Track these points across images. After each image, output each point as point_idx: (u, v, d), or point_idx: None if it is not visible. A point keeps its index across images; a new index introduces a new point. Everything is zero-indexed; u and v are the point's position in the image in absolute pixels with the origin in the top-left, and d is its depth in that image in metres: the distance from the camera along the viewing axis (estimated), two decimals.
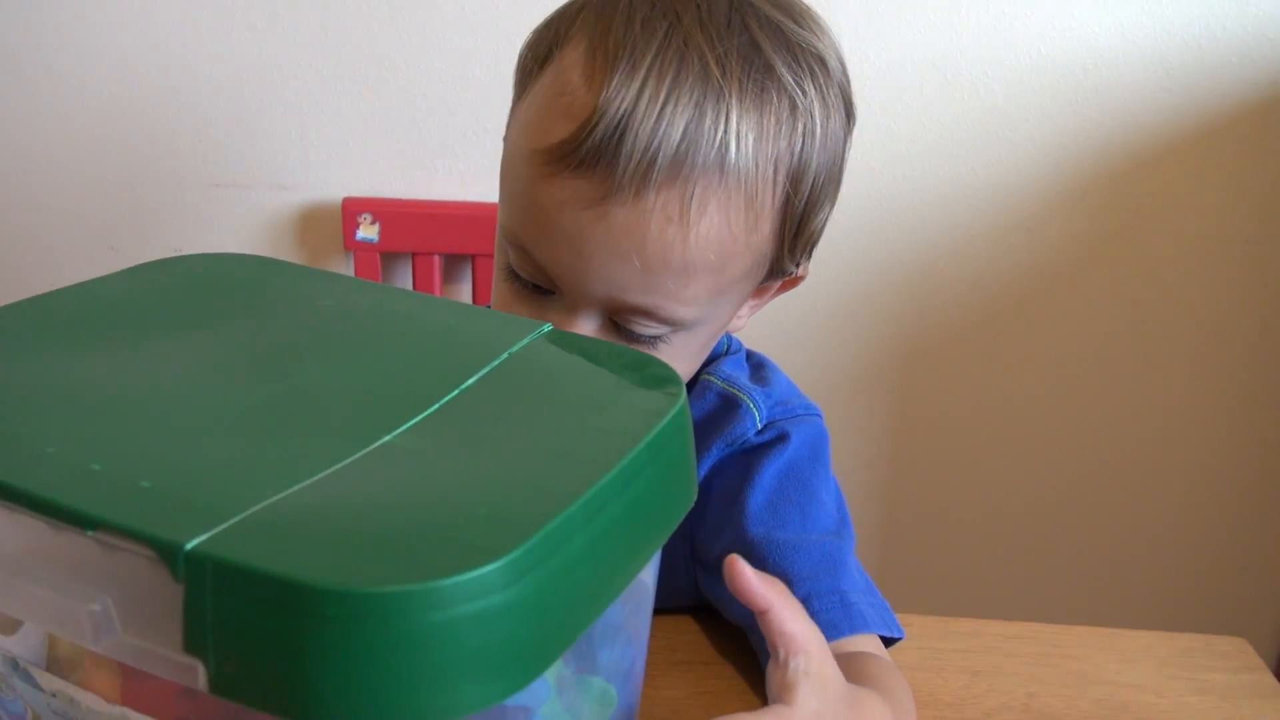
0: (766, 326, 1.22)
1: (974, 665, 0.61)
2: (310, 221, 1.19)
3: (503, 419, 0.31)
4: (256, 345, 0.36)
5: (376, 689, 0.23)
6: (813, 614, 0.55)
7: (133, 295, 0.40)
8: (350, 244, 1.14)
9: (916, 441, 1.28)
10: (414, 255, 1.15)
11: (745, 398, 0.63)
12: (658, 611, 0.64)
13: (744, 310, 0.63)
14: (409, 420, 0.30)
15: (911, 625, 0.64)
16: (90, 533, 0.25)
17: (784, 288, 0.64)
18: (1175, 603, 1.33)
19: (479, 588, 0.23)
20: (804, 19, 0.57)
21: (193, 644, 0.24)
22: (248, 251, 1.20)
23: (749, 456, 0.62)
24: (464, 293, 1.19)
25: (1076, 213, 1.17)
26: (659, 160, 0.50)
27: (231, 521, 0.25)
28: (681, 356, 0.59)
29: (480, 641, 0.23)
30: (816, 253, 1.21)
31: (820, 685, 0.43)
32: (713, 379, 0.64)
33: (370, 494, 0.27)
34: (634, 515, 0.29)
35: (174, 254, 0.45)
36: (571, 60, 0.53)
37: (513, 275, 0.57)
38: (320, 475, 0.27)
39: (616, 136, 0.50)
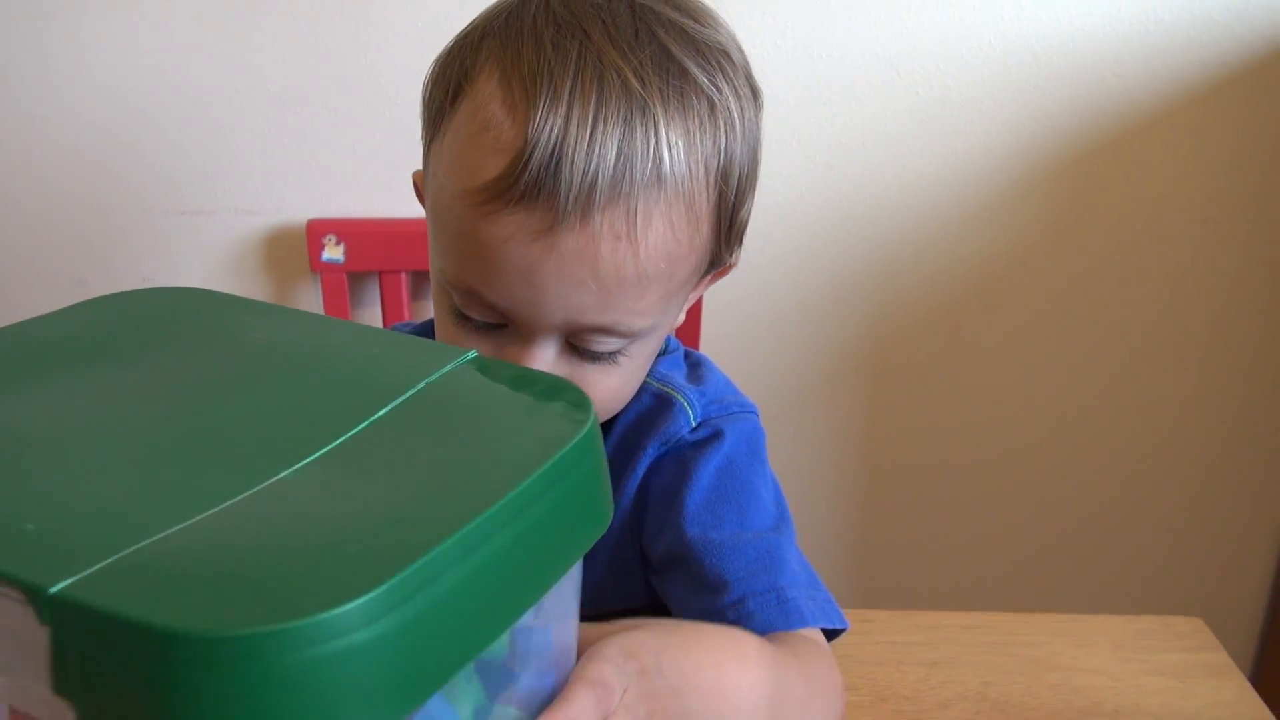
0: (732, 326, 1.23)
1: (931, 657, 0.62)
2: (276, 245, 1.19)
3: (404, 451, 0.31)
4: (177, 381, 0.36)
5: None
6: (748, 614, 0.56)
7: (63, 333, 0.40)
8: (316, 265, 1.15)
9: (886, 434, 1.29)
10: (381, 274, 1.15)
11: (679, 396, 0.64)
12: (615, 614, 0.65)
13: (684, 305, 0.64)
14: (312, 454, 0.30)
15: (873, 621, 0.66)
16: None
17: (717, 277, 0.65)
18: (1144, 586, 1.35)
19: (336, 627, 0.23)
20: (701, 15, 0.58)
21: (60, 687, 0.25)
22: (216, 276, 1.22)
23: (685, 455, 0.62)
24: (431, 310, 1.20)
25: (1035, 200, 1.18)
26: (599, 183, 0.50)
27: (101, 564, 0.25)
28: (639, 366, 0.60)
29: (343, 681, 0.24)
30: (780, 252, 1.22)
31: (634, 626, 0.43)
32: (648, 379, 0.65)
33: (249, 532, 0.27)
34: (526, 545, 0.29)
35: (143, 283, 0.46)
36: (487, 92, 0.53)
37: (461, 318, 0.57)
38: (205, 514, 0.28)
39: (553, 166, 0.50)
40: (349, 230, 1.14)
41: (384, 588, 0.24)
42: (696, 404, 0.63)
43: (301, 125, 1.14)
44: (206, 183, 1.18)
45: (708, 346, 1.21)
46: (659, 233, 0.53)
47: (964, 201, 1.18)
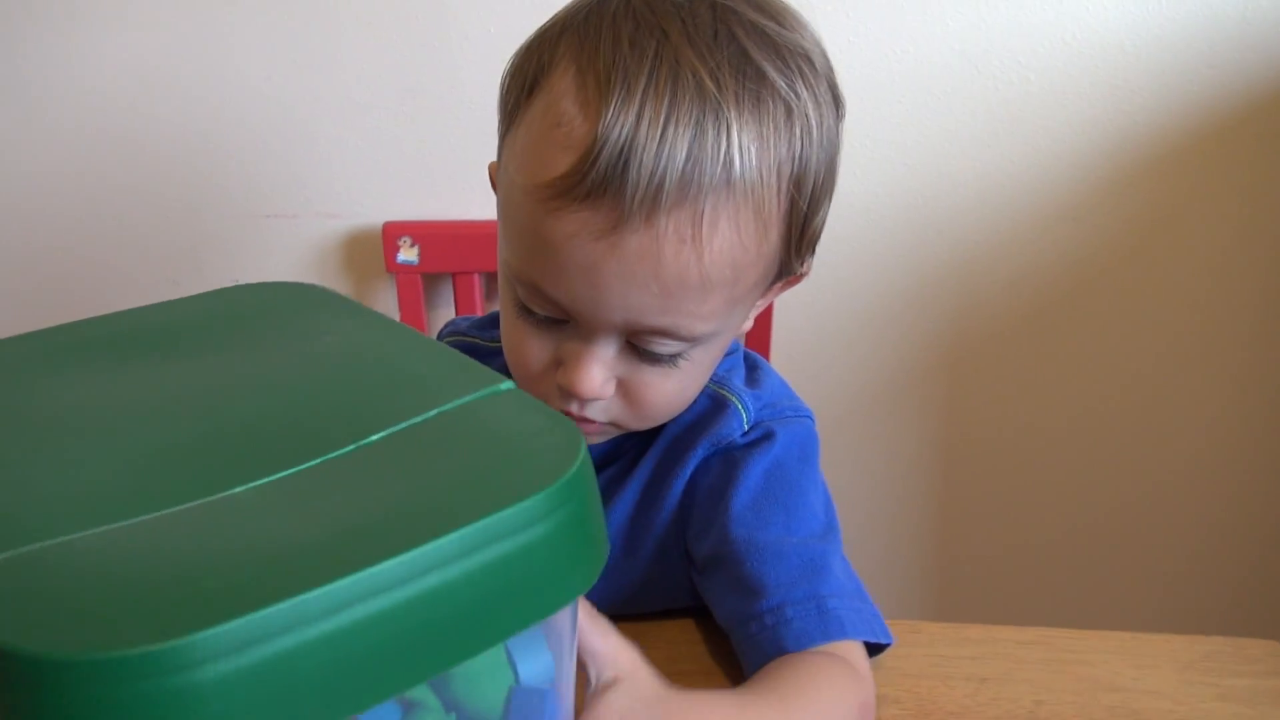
0: (804, 330, 1.22)
1: (982, 672, 0.60)
2: (354, 247, 1.22)
3: (370, 479, 0.29)
4: (218, 378, 0.36)
5: None
6: (786, 620, 0.55)
7: (159, 321, 0.41)
8: (392, 267, 1.17)
9: (957, 444, 1.26)
10: (454, 275, 1.17)
11: (734, 399, 0.63)
12: (662, 614, 0.64)
13: (751, 312, 0.63)
14: (283, 470, 0.29)
15: (921, 632, 0.64)
16: None
17: (786, 285, 0.63)
18: (1216, 606, 1.28)
19: (178, 660, 0.22)
20: (784, 18, 0.57)
21: None
22: (297, 277, 1.24)
23: (734, 455, 0.62)
24: None
25: (1123, 200, 1.13)
26: (666, 184, 0.49)
27: (15, 551, 0.25)
28: (700, 371, 0.60)
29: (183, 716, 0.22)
30: (854, 254, 1.20)
31: (628, 689, 0.43)
32: (707, 384, 0.65)
33: (153, 547, 0.26)
34: (449, 598, 0.26)
35: (231, 284, 0.46)
36: (561, 88, 0.53)
37: (524, 311, 0.57)
38: (124, 522, 0.27)
39: (621, 164, 0.49)
40: (423, 232, 1.16)
41: (236, 623, 0.23)
42: (750, 407, 0.63)
43: (379, 130, 1.17)
44: (290, 187, 1.22)
45: (778, 350, 1.20)
46: (725, 237, 0.52)
47: (1047, 202, 1.14)
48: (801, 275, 0.63)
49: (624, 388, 0.58)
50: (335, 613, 0.24)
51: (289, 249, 1.24)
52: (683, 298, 0.53)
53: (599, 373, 0.56)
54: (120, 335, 0.39)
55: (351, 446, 0.31)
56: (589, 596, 0.39)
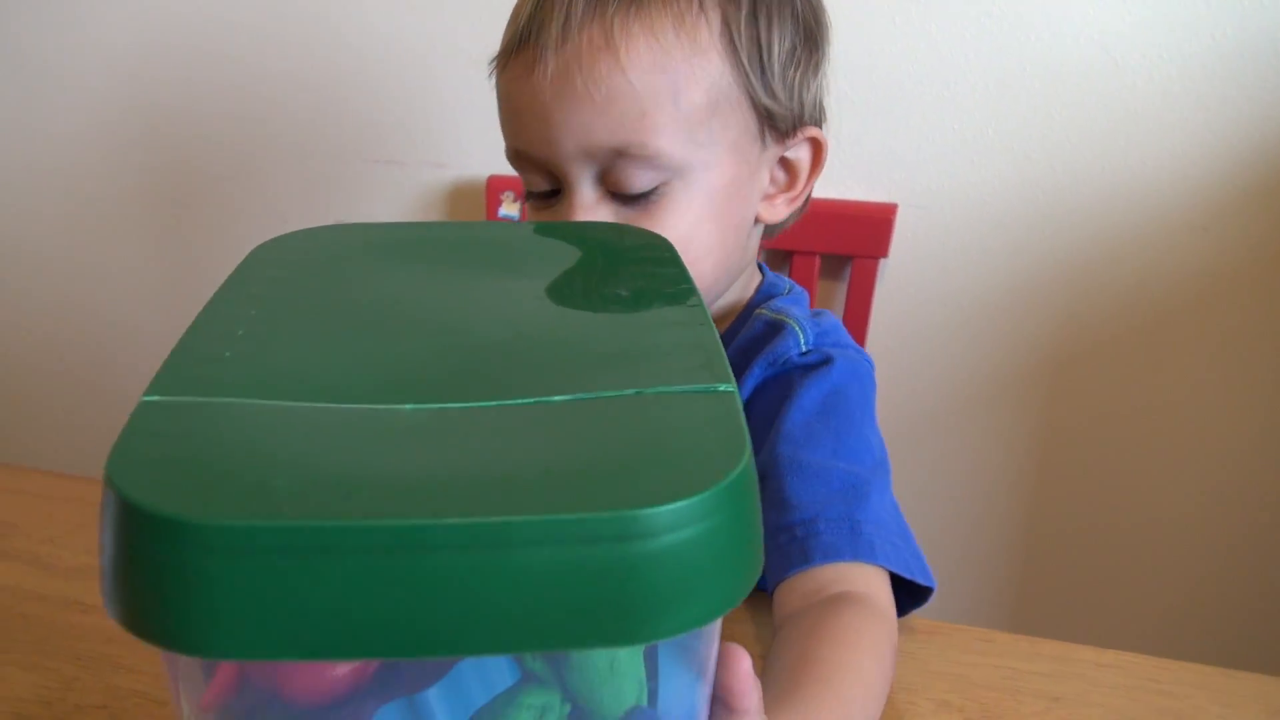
0: (902, 321, 1.18)
1: (1054, 690, 0.57)
2: (458, 197, 1.23)
3: (550, 435, 0.28)
4: (483, 302, 0.38)
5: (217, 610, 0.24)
6: (816, 533, 0.54)
7: (520, 242, 0.44)
8: (493, 220, 1.18)
9: (1064, 453, 1.20)
10: None
11: (792, 322, 0.64)
12: None
13: (766, 183, 0.64)
14: (477, 401, 0.30)
15: (994, 641, 0.61)
16: None
17: (815, 162, 0.65)
18: None
19: (275, 539, 0.23)
20: None
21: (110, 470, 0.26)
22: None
23: (792, 378, 0.61)
24: None
25: (1261, 210, 1.06)
26: (574, 9, 0.56)
27: (190, 399, 0.28)
28: (691, 218, 0.60)
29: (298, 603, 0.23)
30: (964, 244, 1.15)
31: None
32: (765, 311, 0.66)
33: (328, 434, 0.27)
34: (557, 582, 0.24)
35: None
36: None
37: (532, 201, 0.63)
38: (322, 404, 0.29)
39: (539, 12, 0.57)
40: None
41: (371, 523, 0.23)
42: (809, 330, 0.63)
43: (490, 85, 1.17)
44: (400, 134, 1.23)
45: (875, 339, 1.17)
46: (641, 42, 0.56)
47: (1176, 206, 1.08)
48: (814, 139, 0.64)
49: None
50: (461, 550, 0.24)
51: (395, 195, 1.25)
52: (622, 112, 0.56)
53: (587, 220, 0.59)
54: (470, 244, 0.43)
55: (536, 400, 0.30)
56: None
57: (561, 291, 0.39)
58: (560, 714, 0.31)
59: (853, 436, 0.59)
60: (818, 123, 0.65)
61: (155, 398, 0.29)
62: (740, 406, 0.31)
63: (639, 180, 0.58)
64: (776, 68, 0.60)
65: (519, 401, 0.30)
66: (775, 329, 0.63)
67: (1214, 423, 1.15)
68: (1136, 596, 1.24)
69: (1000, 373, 1.18)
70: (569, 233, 0.45)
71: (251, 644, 0.24)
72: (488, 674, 0.30)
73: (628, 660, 0.31)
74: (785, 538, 0.56)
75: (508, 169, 1.20)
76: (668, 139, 0.57)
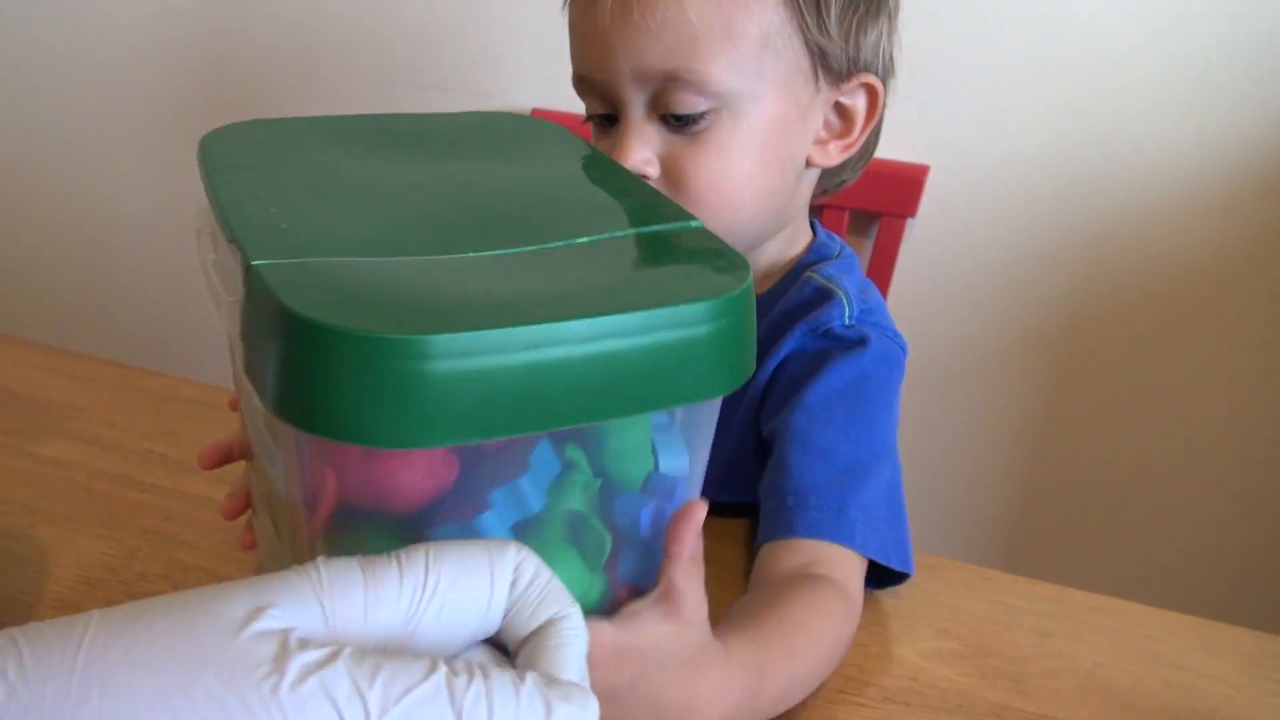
0: (925, 274, 1.21)
1: (1046, 626, 0.61)
2: None
3: (578, 266, 0.36)
4: (486, 176, 0.44)
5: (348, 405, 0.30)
6: (804, 508, 0.58)
7: (438, 128, 0.50)
8: None
9: (1072, 414, 1.24)
10: None
11: (841, 293, 0.66)
12: (725, 508, 0.66)
13: (819, 126, 0.67)
14: (515, 247, 0.37)
15: (994, 580, 0.65)
16: (230, 244, 0.36)
17: (871, 110, 0.67)
18: None
19: (426, 349, 0.30)
20: None
21: (243, 335, 0.34)
22: None
23: (827, 350, 0.64)
24: None
25: None
26: None
27: (296, 260, 0.33)
28: (737, 151, 0.63)
29: (428, 394, 0.30)
30: (991, 209, 1.17)
31: (678, 634, 0.43)
32: (816, 275, 0.68)
33: (416, 278, 0.33)
34: (648, 358, 0.33)
35: None
36: None
37: (590, 122, 0.67)
38: (400, 258, 0.35)
39: None
40: (567, 123, 1.18)
41: (467, 334, 0.31)
42: (856, 304, 0.65)
43: (538, 17, 1.19)
44: (448, 63, 1.25)
45: (897, 291, 1.20)
46: None
47: (1202, 190, 1.10)
48: (870, 86, 0.67)
49: (666, 171, 0.63)
50: (538, 347, 0.32)
51: None
52: (674, 39, 0.59)
53: (636, 143, 0.62)
54: (396, 131, 0.49)
55: (565, 242, 0.38)
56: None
57: (524, 167, 0.46)
58: (595, 486, 0.40)
59: (865, 420, 0.62)
60: (878, 73, 0.67)
61: (265, 261, 0.33)
62: (712, 233, 0.40)
63: (687, 104, 0.61)
64: (834, 9, 0.62)
65: (553, 245, 0.38)
66: (825, 296, 0.65)
67: (1218, 395, 1.18)
68: (1132, 551, 1.28)
69: (1016, 337, 1.22)
70: (463, 123, 0.51)
71: (452, 431, 0.31)
72: (540, 475, 0.38)
73: (643, 445, 0.41)
74: (777, 502, 0.59)
75: (551, 101, 1.23)
76: (717, 67, 0.60)
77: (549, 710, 0.28)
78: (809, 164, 0.68)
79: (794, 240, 0.72)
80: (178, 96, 1.44)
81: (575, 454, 0.39)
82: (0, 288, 1.74)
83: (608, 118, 0.65)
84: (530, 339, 0.31)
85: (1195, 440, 1.21)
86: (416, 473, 0.35)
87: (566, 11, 0.66)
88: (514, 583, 0.31)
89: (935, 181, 1.16)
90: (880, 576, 0.61)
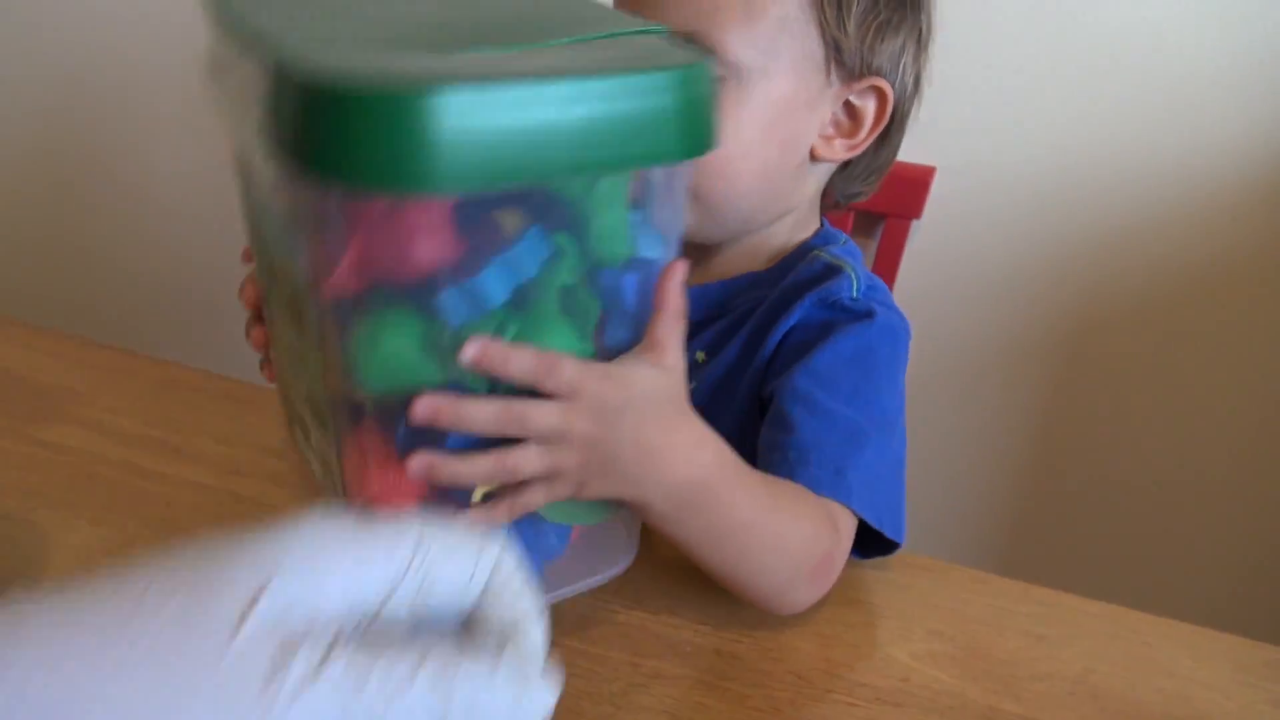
0: (928, 283, 1.21)
1: (1039, 630, 0.61)
2: None
3: (562, 54, 0.41)
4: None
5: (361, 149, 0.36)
6: (805, 463, 0.58)
7: None
8: None
9: (1073, 419, 1.24)
10: None
11: (849, 270, 0.67)
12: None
13: (827, 120, 0.68)
14: (504, 48, 0.42)
15: (987, 583, 0.65)
16: (252, 49, 0.40)
17: (879, 114, 0.68)
18: None
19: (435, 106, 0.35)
20: None
21: (269, 120, 0.38)
22: None
23: (834, 320, 0.65)
24: None
25: None
26: None
27: (316, 50, 0.38)
28: (740, 116, 0.64)
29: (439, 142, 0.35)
30: (993, 216, 1.17)
31: (660, 379, 0.48)
32: (823, 253, 0.69)
33: (418, 66, 0.38)
34: (619, 117, 0.39)
35: None
36: None
37: None
38: (406, 51, 0.40)
39: None
40: None
41: (474, 89, 0.36)
42: (863, 281, 0.67)
43: None
44: None
45: (899, 298, 1.20)
46: None
47: (1207, 195, 1.10)
48: (880, 90, 0.67)
49: None
50: (528, 106, 0.37)
51: None
52: (698, 5, 0.62)
53: None
54: None
55: (554, 42, 0.43)
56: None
57: None
58: (584, 266, 0.45)
59: (870, 390, 0.62)
60: (893, 84, 0.68)
61: (290, 55, 0.38)
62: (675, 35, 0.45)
63: None
64: (853, 9, 0.64)
65: (547, 44, 0.43)
66: (833, 271, 0.67)
67: (1222, 404, 1.18)
68: (1128, 556, 1.28)
69: (1019, 340, 1.22)
70: None
71: (456, 179, 0.37)
72: (533, 250, 0.44)
73: (621, 229, 0.46)
74: (778, 456, 0.60)
75: None
76: (731, 38, 0.62)
77: (519, 696, 0.30)
78: (814, 157, 0.69)
79: (802, 227, 0.74)
80: (176, 88, 1.44)
81: (564, 240, 0.44)
82: (3, 271, 1.74)
83: None
84: (520, 99, 0.37)
85: (1194, 446, 1.21)
86: (430, 234, 0.41)
87: None
88: (496, 568, 0.32)
89: (941, 183, 1.16)
90: (866, 546, 0.61)
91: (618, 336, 0.48)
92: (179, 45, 1.41)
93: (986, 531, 1.32)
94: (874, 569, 0.65)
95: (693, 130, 0.42)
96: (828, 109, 0.67)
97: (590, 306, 0.46)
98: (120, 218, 1.61)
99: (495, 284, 0.43)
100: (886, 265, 1.18)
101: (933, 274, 1.21)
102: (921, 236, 1.20)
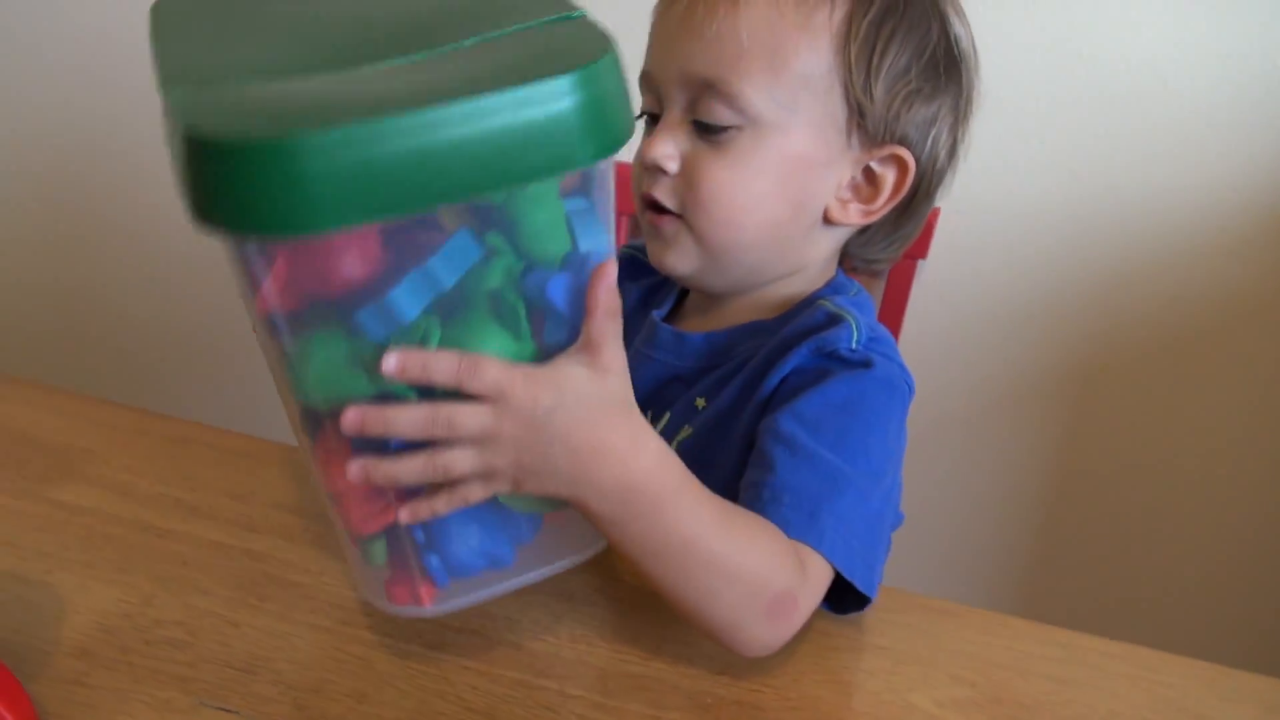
0: (937, 319, 1.21)
1: (1061, 674, 0.61)
2: None
3: (460, 64, 0.41)
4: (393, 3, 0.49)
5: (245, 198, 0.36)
6: (778, 501, 0.57)
7: None
8: None
9: (1084, 457, 1.24)
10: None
11: (851, 319, 0.65)
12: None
13: (845, 182, 0.67)
14: (399, 57, 0.42)
15: (1008, 626, 0.65)
16: (160, 83, 0.41)
17: (899, 183, 0.68)
18: None
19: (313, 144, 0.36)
20: None
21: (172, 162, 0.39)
22: None
23: (831, 368, 0.64)
24: None
25: None
26: None
27: (204, 87, 0.39)
28: (750, 166, 0.64)
29: (318, 179, 0.36)
30: (1001, 252, 1.18)
31: (596, 380, 0.48)
32: (828, 304, 0.68)
33: (305, 90, 0.38)
34: (505, 133, 0.39)
35: None
36: None
37: (641, 119, 0.70)
38: (300, 75, 0.41)
39: None
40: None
41: (347, 127, 0.36)
42: (864, 332, 0.65)
43: None
44: None
45: (908, 336, 1.20)
46: (761, 8, 0.62)
47: (1214, 230, 1.10)
48: (901, 160, 0.67)
49: (685, 170, 0.65)
50: (407, 135, 0.37)
51: None
52: (722, 51, 0.62)
53: (666, 136, 0.65)
54: None
55: (454, 45, 0.43)
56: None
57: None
58: (518, 268, 0.46)
59: (857, 438, 0.61)
60: (920, 156, 0.67)
61: (181, 90, 0.39)
62: (594, 20, 0.45)
63: (716, 114, 0.63)
64: (882, 74, 0.64)
65: (443, 49, 0.43)
66: (834, 321, 0.65)
67: (1231, 441, 1.18)
68: (1146, 595, 1.27)
69: (1028, 378, 1.22)
70: None
71: (337, 213, 0.37)
72: (455, 258, 0.44)
73: (557, 226, 0.46)
74: (753, 494, 0.59)
75: None
76: (752, 88, 0.62)
77: None
78: (828, 219, 0.68)
79: (813, 282, 0.72)
80: None
81: (496, 240, 0.45)
82: (15, 332, 1.76)
83: (655, 117, 0.68)
84: (396, 129, 0.37)
85: (1211, 482, 1.20)
86: (350, 254, 0.42)
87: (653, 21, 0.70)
88: None
89: (946, 223, 1.17)
90: (843, 601, 0.60)
91: (558, 336, 0.49)
92: None
93: (1003, 571, 1.31)
94: (890, 612, 0.64)
95: (598, 131, 0.41)
96: (847, 172, 0.67)
97: (515, 306, 0.46)
98: (127, 273, 1.63)
99: (407, 299, 0.44)
100: (894, 305, 1.18)
101: (942, 313, 1.21)
102: (928, 276, 1.20)
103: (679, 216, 0.67)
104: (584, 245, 0.47)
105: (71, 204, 1.61)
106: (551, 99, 0.39)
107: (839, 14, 0.63)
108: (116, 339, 1.69)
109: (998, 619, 0.65)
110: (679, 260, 0.69)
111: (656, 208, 0.67)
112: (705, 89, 0.63)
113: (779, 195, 0.65)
